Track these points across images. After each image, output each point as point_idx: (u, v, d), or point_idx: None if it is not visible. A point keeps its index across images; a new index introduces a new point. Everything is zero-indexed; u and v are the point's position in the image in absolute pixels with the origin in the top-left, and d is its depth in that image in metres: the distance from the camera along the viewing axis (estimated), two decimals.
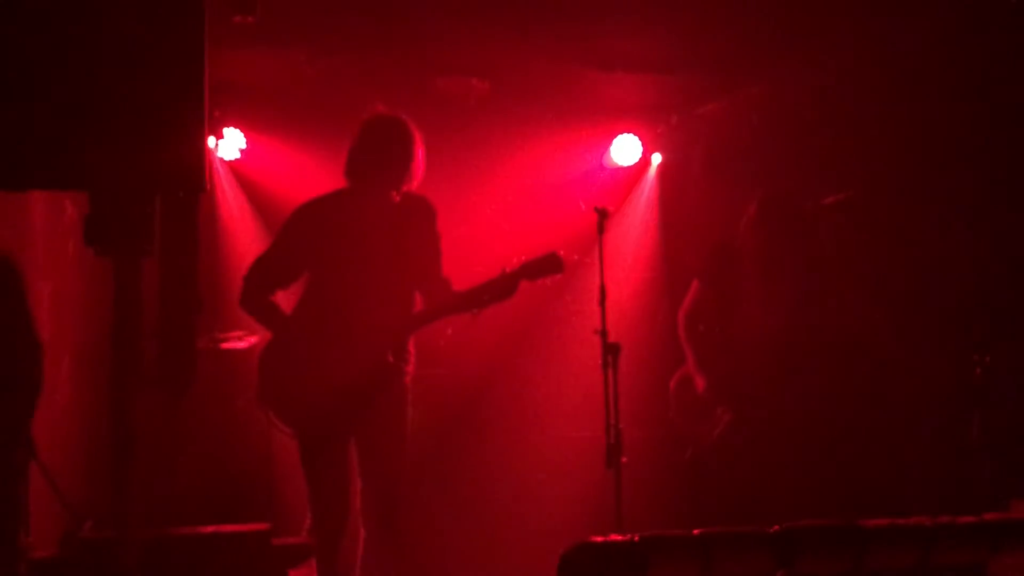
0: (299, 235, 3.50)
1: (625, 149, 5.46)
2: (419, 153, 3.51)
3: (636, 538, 1.91)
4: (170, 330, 2.29)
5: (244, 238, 4.94)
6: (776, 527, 1.94)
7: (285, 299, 3.52)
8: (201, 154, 1.98)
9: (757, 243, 4.09)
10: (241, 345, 4.21)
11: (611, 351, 3.42)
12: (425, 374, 4.83)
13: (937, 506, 2.07)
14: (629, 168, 5.56)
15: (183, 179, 1.97)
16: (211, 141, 5.20)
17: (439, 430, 4.70)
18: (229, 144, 5.20)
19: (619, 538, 1.89)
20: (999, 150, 3.95)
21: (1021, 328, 4.01)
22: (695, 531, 1.91)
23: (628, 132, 5.46)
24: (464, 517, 4.57)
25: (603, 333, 3.47)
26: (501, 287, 3.37)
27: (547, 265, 3.36)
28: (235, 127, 5.21)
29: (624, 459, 3.40)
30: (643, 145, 5.49)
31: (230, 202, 5.14)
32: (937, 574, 2.31)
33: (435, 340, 4.85)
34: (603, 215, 3.53)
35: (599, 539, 1.89)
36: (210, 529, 2.62)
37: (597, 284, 3.56)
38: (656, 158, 5.58)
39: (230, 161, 5.25)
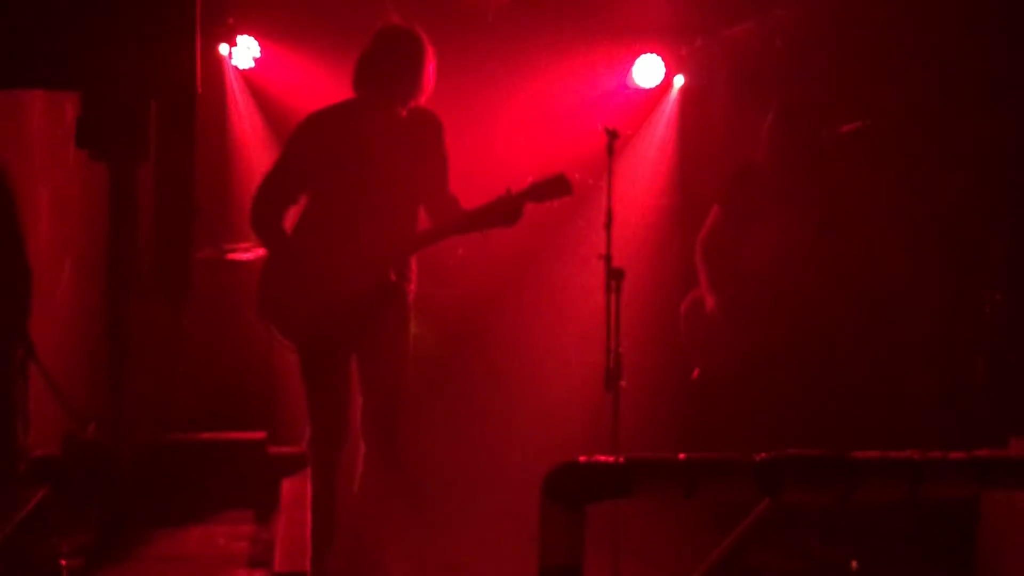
0: (304, 148, 3.42)
1: (647, 70, 5.34)
2: (430, 68, 3.42)
3: (621, 459, 1.90)
4: (166, 236, 2.28)
5: (255, 149, 4.90)
6: (763, 455, 1.92)
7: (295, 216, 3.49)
8: (193, 58, 1.95)
9: (773, 152, 4.02)
10: (247, 256, 4.21)
11: (615, 276, 3.39)
12: (433, 293, 4.85)
13: (936, 442, 2.05)
14: (651, 90, 5.45)
15: (175, 83, 1.94)
16: (224, 49, 5.13)
17: (443, 348, 4.73)
18: (243, 53, 5.13)
19: (604, 459, 1.88)
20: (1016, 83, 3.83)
21: None
22: (681, 455, 1.89)
23: (651, 53, 5.34)
24: (463, 435, 4.62)
25: (607, 258, 3.43)
26: (506, 208, 3.28)
27: (554, 187, 3.27)
28: (249, 35, 5.14)
29: (623, 383, 3.40)
30: (666, 67, 5.36)
31: (242, 112, 5.08)
32: (926, 508, 2.32)
33: (445, 259, 4.84)
34: (613, 136, 3.45)
35: (584, 459, 1.88)
36: (207, 435, 2.66)
37: (606, 208, 3.52)
38: (678, 80, 5.46)
39: (244, 70, 5.18)
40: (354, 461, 3.53)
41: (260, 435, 2.64)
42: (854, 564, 3.97)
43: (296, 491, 2.44)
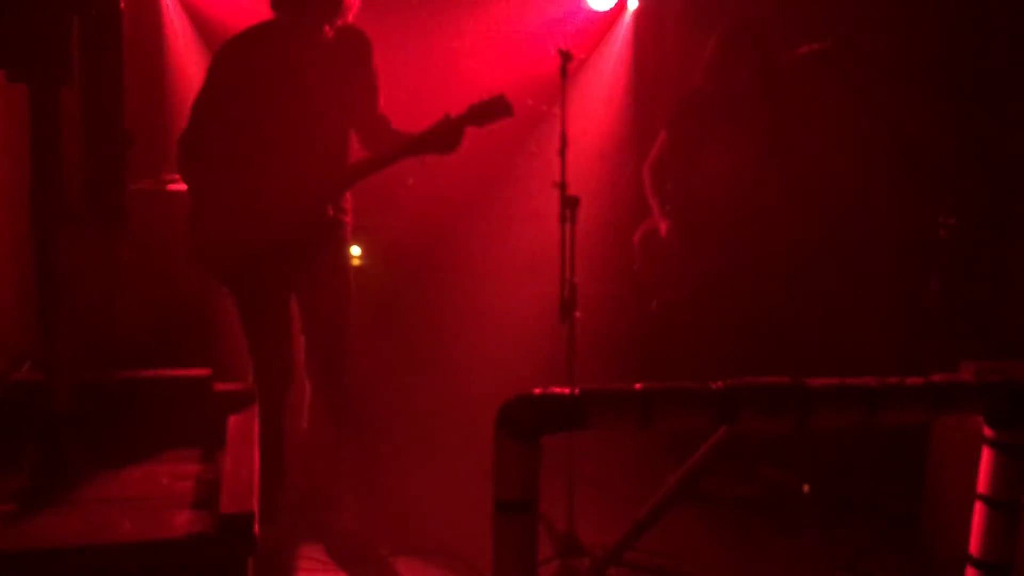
0: (222, 78, 3.19)
1: None
2: None
3: (576, 391, 1.85)
4: (94, 164, 2.15)
5: (194, 75, 4.68)
6: (719, 384, 1.89)
7: None
8: None
9: (717, 77, 3.97)
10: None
11: (569, 204, 3.31)
12: (383, 223, 4.74)
13: (891, 368, 2.04)
14: (604, 13, 5.32)
15: None
16: None
17: (395, 279, 4.65)
18: None
19: (559, 391, 1.84)
20: (975, 9, 3.79)
21: (987, 193, 3.97)
22: (636, 385, 1.85)
23: None
24: (416, 368, 4.57)
25: (562, 185, 3.35)
26: (445, 133, 3.14)
27: (494, 108, 3.13)
28: None
29: (578, 314, 3.36)
30: None
31: (177, 35, 4.85)
32: (881, 437, 2.34)
33: (395, 189, 4.73)
34: (566, 58, 3.34)
35: (538, 392, 1.83)
36: (149, 373, 2.56)
37: (560, 134, 3.42)
38: (632, 3, 5.33)
39: None
40: (302, 398, 3.49)
41: (204, 371, 2.54)
42: (806, 488, 4.04)
43: (242, 429, 2.36)
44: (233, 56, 3.22)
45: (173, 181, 4.09)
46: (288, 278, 3.30)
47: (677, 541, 3.51)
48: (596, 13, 5.28)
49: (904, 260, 4.02)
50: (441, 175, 4.44)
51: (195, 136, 3.20)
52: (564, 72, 3.37)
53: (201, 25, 4.91)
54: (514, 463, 1.77)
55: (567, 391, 1.82)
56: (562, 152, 3.37)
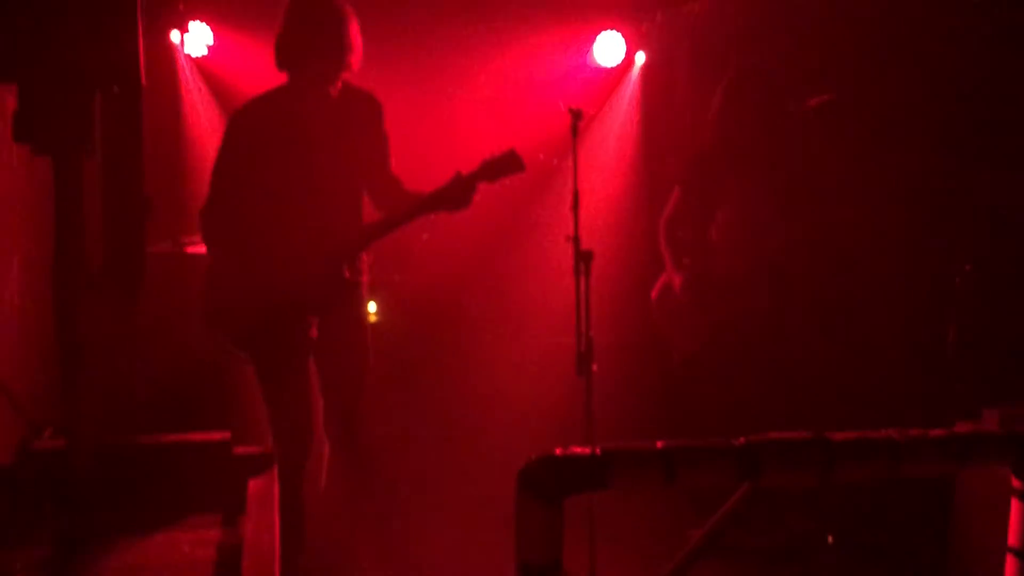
0: (239, 143, 3.23)
1: (608, 47, 5.28)
2: (353, 33, 3.20)
3: (598, 451, 1.84)
4: (115, 230, 2.18)
5: (210, 139, 4.77)
6: (741, 439, 1.88)
7: None
8: (135, 46, 1.85)
9: (725, 133, 3.99)
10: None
11: (583, 258, 3.33)
12: (399, 279, 4.78)
13: (912, 417, 2.02)
14: (613, 68, 5.39)
15: (117, 72, 1.84)
16: (176, 36, 4.99)
17: (411, 335, 4.65)
18: (195, 39, 4.99)
19: (580, 451, 1.83)
20: (990, 51, 3.82)
21: (1002, 239, 3.96)
22: (658, 443, 1.84)
23: (612, 30, 5.27)
24: (433, 425, 4.55)
25: (575, 239, 3.37)
26: (457, 191, 3.15)
27: (506, 163, 3.15)
28: (202, 21, 4.99)
29: (595, 366, 3.35)
30: (627, 44, 5.30)
31: (196, 101, 4.94)
32: (906, 486, 2.31)
33: (410, 245, 4.76)
34: (577, 116, 3.38)
35: (560, 452, 1.82)
36: (169, 437, 2.57)
37: (572, 189, 3.45)
38: (640, 57, 5.40)
39: (197, 58, 5.04)
40: (320, 460, 3.47)
41: (224, 435, 2.55)
42: (830, 538, 3.98)
43: (263, 492, 2.36)
44: (246, 122, 3.27)
45: (190, 243, 4.14)
46: (306, 341, 3.28)
47: None
48: (604, 69, 5.36)
49: (922, 308, 4.00)
50: (455, 231, 4.49)
51: (214, 202, 3.24)
52: (575, 130, 3.41)
53: (217, 89, 5.01)
54: (537, 525, 1.75)
55: (588, 451, 1.81)
56: (575, 207, 3.40)
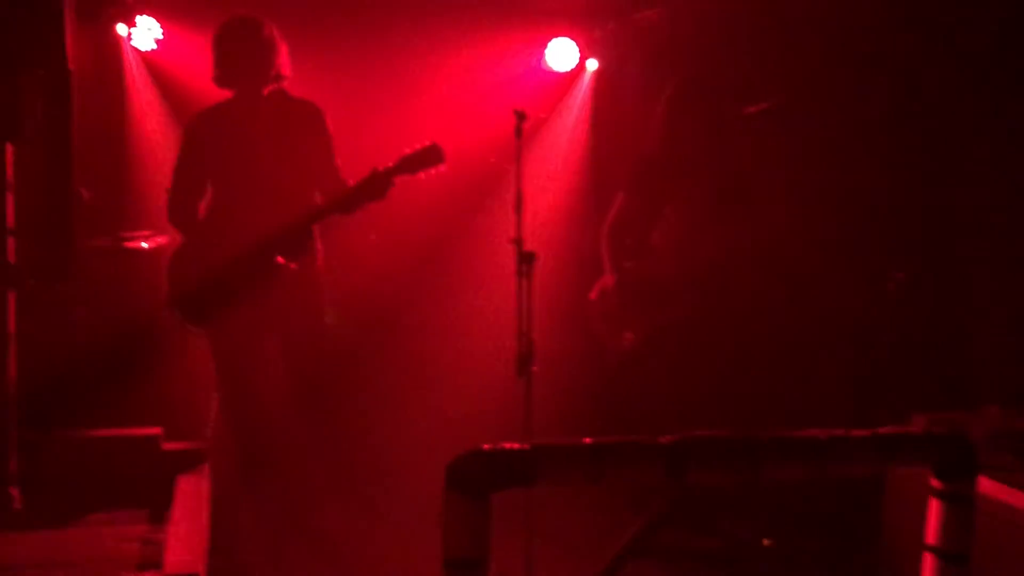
0: (194, 146, 3.61)
1: (560, 54, 5.31)
2: (275, 43, 3.56)
3: (527, 446, 1.85)
4: (43, 219, 2.15)
5: (157, 135, 4.71)
6: (668, 438, 1.90)
7: None
8: (61, 31, 1.83)
9: (669, 139, 4.04)
10: (146, 245, 4.05)
11: (526, 260, 3.35)
12: (344, 279, 4.74)
13: (843, 421, 2.06)
14: (564, 74, 5.43)
15: (40, 56, 1.81)
16: (123, 29, 4.92)
17: (355, 335, 4.63)
18: (143, 33, 4.93)
19: (509, 446, 1.84)
20: (924, 63, 3.91)
21: (935, 247, 4.05)
22: (586, 440, 1.86)
23: (564, 36, 5.31)
24: (374, 423, 4.54)
25: (518, 241, 3.39)
26: (374, 185, 3.40)
27: (426, 157, 3.37)
28: (150, 15, 4.93)
29: (535, 368, 3.37)
30: (579, 50, 5.34)
31: (142, 96, 4.88)
32: (839, 490, 2.35)
33: (356, 246, 4.74)
34: (521, 118, 3.42)
35: (488, 447, 1.83)
36: (97, 432, 2.53)
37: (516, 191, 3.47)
38: (592, 64, 5.44)
39: (144, 52, 4.97)
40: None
41: (155, 430, 2.52)
42: (766, 542, 4.04)
43: (192, 489, 2.33)
44: (201, 127, 3.64)
45: (131, 239, 4.08)
46: (260, 329, 3.54)
47: None
48: (556, 74, 5.39)
49: (856, 314, 4.08)
50: (402, 232, 4.48)
51: (177, 196, 3.62)
52: (519, 132, 3.44)
53: (165, 84, 4.94)
54: (463, 520, 1.75)
55: (517, 446, 1.82)
56: (518, 208, 3.42)
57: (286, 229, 3.49)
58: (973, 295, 4.08)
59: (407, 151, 3.41)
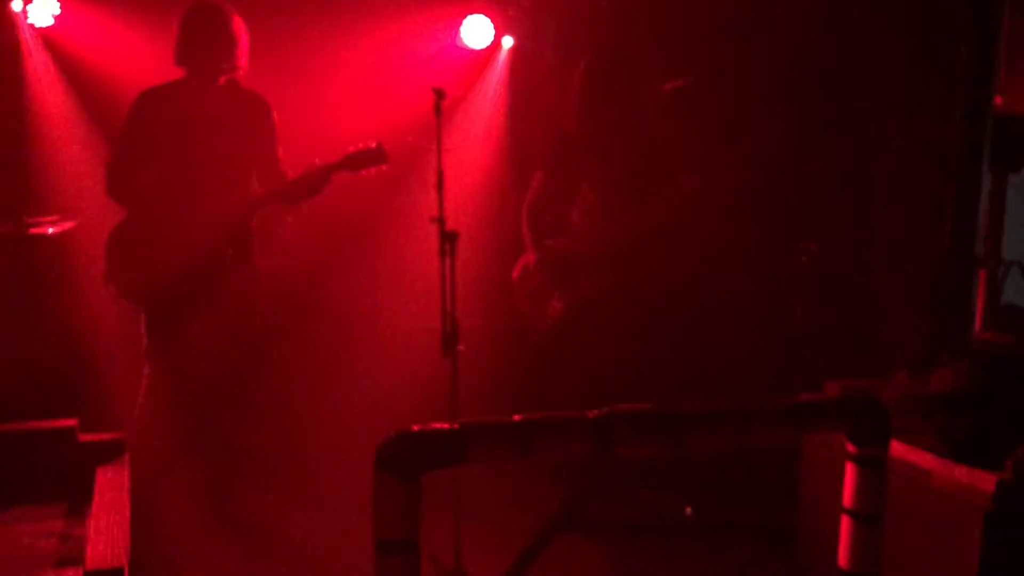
0: (139, 124, 3.63)
1: (476, 31, 5.28)
2: (239, 36, 3.63)
3: (456, 426, 1.86)
4: None
5: (56, 113, 4.53)
6: (595, 412, 1.93)
7: None
8: None
9: (583, 118, 4.06)
10: (51, 231, 3.90)
11: (448, 239, 3.34)
12: (263, 264, 4.65)
13: (760, 390, 2.12)
14: (480, 51, 5.40)
15: None
16: (18, 5, 4.71)
17: (274, 320, 4.55)
18: (40, 9, 4.72)
19: (438, 426, 1.84)
20: (840, 37, 4.01)
21: (845, 219, 4.18)
22: (515, 417, 1.87)
23: (479, 13, 5.28)
24: (299, 408, 4.48)
25: (440, 220, 3.37)
26: (312, 181, 3.50)
27: (370, 156, 3.46)
28: None
29: (461, 347, 3.37)
30: (494, 28, 5.32)
31: (40, 74, 4.68)
32: (760, 453, 2.43)
33: (273, 229, 4.65)
34: (440, 95, 3.39)
35: (417, 428, 1.83)
36: (13, 424, 2.43)
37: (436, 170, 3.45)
38: (507, 41, 5.42)
39: (41, 28, 4.76)
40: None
41: (70, 422, 2.43)
42: (687, 510, 4.14)
43: (112, 480, 2.27)
44: (146, 107, 3.65)
45: (36, 224, 3.93)
46: (194, 313, 3.59)
47: (564, 569, 3.53)
48: (473, 52, 5.36)
49: (770, 286, 4.19)
50: (321, 214, 4.41)
51: (119, 169, 3.65)
52: (438, 109, 3.41)
53: (64, 61, 4.75)
54: (394, 502, 1.75)
55: (446, 426, 1.82)
56: (439, 187, 3.40)
57: (226, 216, 3.57)
58: (880, 266, 4.23)
59: (351, 149, 3.49)
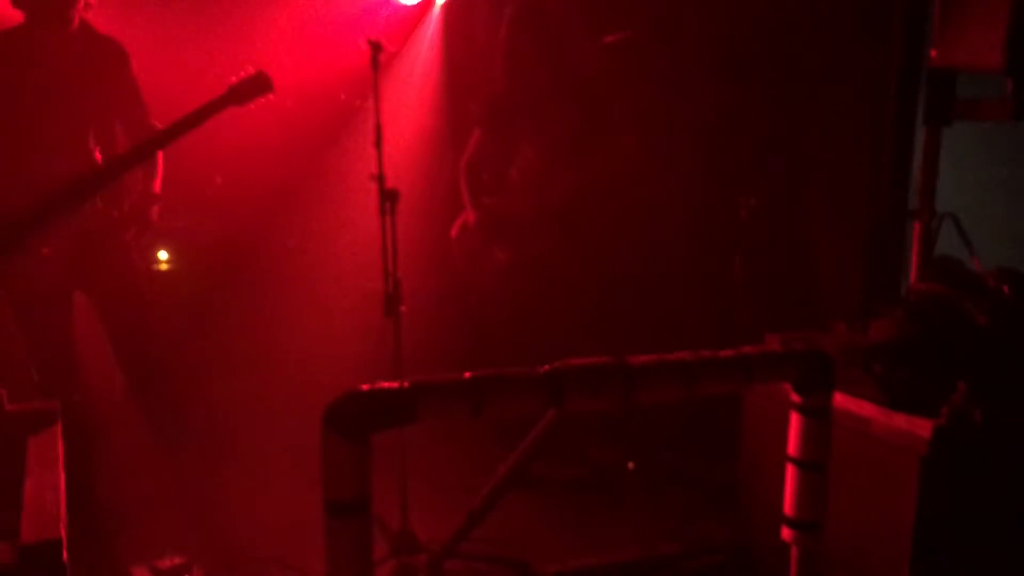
0: None
1: None
2: None
3: (406, 384, 1.82)
4: None
5: None
6: (546, 367, 1.91)
7: None
8: None
9: (516, 78, 4.02)
10: None
11: (389, 198, 3.26)
12: (194, 226, 4.52)
13: (704, 342, 2.13)
14: (413, 7, 5.28)
15: None
16: None
17: (208, 284, 4.45)
18: None
19: (387, 385, 1.80)
20: None
21: (784, 173, 4.23)
22: (466, 374, 1.84)
23: None
24: (238, 372, 4.39)
25: (380, 178, 3.30)
26: (199, 118, 3.17)
27: (254, 86, 3.19)
28: None
29: (403, 308, 3.32)
30: None
31: None
32: (701, 407, 2.46)
33: (203, 190, 4.52)
34: (376, 48, 3.29)
35: (367, 387, 1.79)
36: None
37: (375, 126, 3.37)
38: None
39: None
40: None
41: None
42: (631, 465, 4.19)
43: (44, 450, 2.18)
44: None
45: None
46: (67, 277, 3.30)
47: (511, 528, 3.55)
48: (405, 7, 5.24)
49: (711, 240, 4.22)
50: (254, 173, 4.29)
51: None
52: (375, 63, 3.32)
53: None
54: (344, 463, 1.71)
55: (396, 385, 1.78)
56: (378, 144, 3.32)
57: (92, 171, 3.27)
58: (817, 220, 4.29)
59: (233, 80, 3.20)
